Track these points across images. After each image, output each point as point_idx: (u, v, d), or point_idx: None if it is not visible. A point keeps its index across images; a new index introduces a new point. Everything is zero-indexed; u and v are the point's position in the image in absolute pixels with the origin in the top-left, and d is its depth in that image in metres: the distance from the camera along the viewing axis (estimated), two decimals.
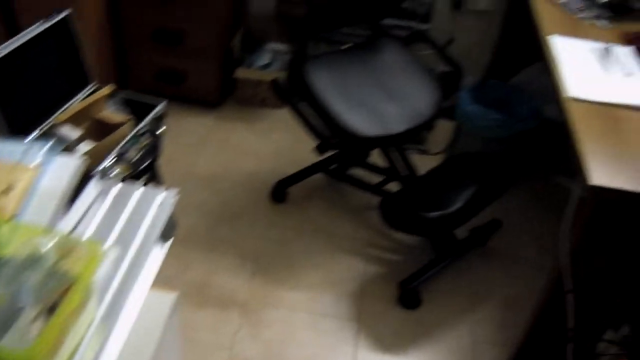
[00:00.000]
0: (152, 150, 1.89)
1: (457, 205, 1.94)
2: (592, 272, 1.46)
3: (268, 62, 2.91)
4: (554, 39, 1.82)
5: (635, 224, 1.36)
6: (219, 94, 2.87)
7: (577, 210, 1.41)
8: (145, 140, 1.85)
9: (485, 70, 2.92)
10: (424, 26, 2.86)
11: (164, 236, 1.22)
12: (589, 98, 1.55)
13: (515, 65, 2.72)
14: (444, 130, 2.81)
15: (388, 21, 2.76)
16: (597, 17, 1.99)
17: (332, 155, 2.51)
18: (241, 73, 2.87)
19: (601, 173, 1.31)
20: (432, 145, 2.80)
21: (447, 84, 2.30)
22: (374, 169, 2.52)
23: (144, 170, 1.87)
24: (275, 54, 2.95)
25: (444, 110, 2.96)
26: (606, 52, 1.79)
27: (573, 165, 1.38)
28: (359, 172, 2.56)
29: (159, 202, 1.23)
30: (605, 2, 2.03)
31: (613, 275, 1.46)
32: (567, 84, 1.59)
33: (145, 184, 1.94)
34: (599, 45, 1.82)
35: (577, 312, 1.52)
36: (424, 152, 2.77)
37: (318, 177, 2.56)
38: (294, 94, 2.14)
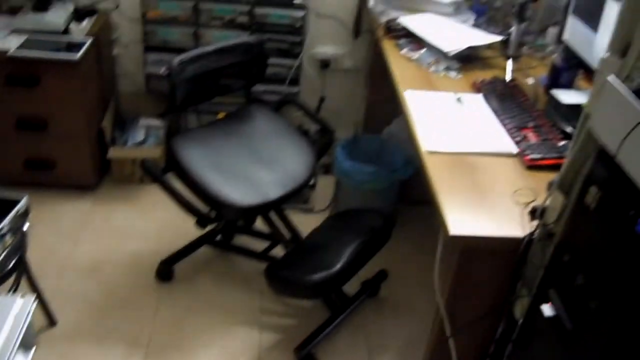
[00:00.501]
0: (18, 248, 1.79)
1: (341, 263, 1.96)
2: (470, 315, 1.51)
3: (143, 139, 2.87)
4: (408, 93, 1.91)
5: (502, 265, 1.42)
6: (94, 176, 2.78)
7: (446, 257, 1.46)
8: (9, 240, 1.75)
9: (359, 124, 3.02)
10: (294, 89, 2.93)
11: (25, 346, 1.15)
12: (443, 150, 1.62)
13: (387, 117, 2.83)
14: (326, 186, 2.86)
15: (259, 87, 2.81)
16: (448, 69, 2.11)
17: (215, 227, 2.49)
18: (115, 152, 2.80)
19: (459, 223, 1.37)
20: (317, 203, 2.83)
21: (321, 143, 2.35)
22: (259, 235, 2.51)
23: (11, 271, 1.77)
24: (149, 129, 2.92)
25: (325, 166, 3.04)
26: (458, 102, 1.90)
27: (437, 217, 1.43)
28: (244, 240, 2.54)
29: (16, 311, 1.16)
30: (454, 55, 2.16)
31: (489, 316, 1.51)
32: (421, 138, 1.67)
33: (13, 286, 1.83)
34: (451, 96, 1.92)
35: (459, 356, 1.55)
36: (308, 210, 2.80)
37: (204, 250, 2.52)
38: (170, 170, 2.12)
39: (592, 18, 1.83)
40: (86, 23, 2.68)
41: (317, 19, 2.94)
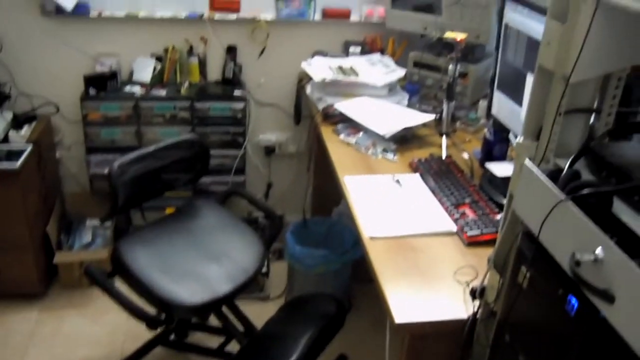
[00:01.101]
0: None
1: (297, 355, 1.93)
2: None
3: (90, 241, 2.82)
4: (347, 179, 1.95)
5: (452, 345, 1.43)
6: (40, 284, 2.71)
7: (396, 340, 1.46)
8: None
9: (307, 207, 3.04)
10: (241, 178, 2.96)
11: None
12: (384, 235, 1.65)
13: (335, 197, 2.86)
14: (281, 272, 2.84)
15: (205, 179, 2.83)
16: (385, 151, 2.16)
17: (168, 326, 2.43)
18: (62, 257, 2.75)
19: (404, 310, 1.37)
20: (272, 290, 2.81)
21: (270, 230, 2.36)
22: (213, 330, 2.46)
23: None
24: (96, 230, 2.88)
25: (278, 251, 3.04)
26: (397, 183, 1.94)
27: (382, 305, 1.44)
28: (199, 337, 2.49)
29: None
30: (390, 137, 2.22)
31: None
32: (362, 225, 1.69)
33: None
34: (389, 178, 1.97)
35: None
36: (264, 298, 2.77)
37: (158, 351, 2.45)
38: (116, 274, 2.08)
39: (515, 93, 1.92)
40: (26, 130, 2.68)
41: (258, 107, 3.01)
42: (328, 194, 2.86)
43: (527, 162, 1.12)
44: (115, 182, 2.07)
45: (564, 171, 1.06)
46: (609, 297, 0.89)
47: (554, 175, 1.08)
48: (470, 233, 1.64)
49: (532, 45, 1.76)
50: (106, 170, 2.13)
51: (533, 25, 1.76)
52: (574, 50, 1.04)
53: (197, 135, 2.45)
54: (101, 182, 2.87)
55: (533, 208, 1.09)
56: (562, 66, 1.07)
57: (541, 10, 1.72)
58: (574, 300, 0.97)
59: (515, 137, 1.94)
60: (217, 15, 2.83)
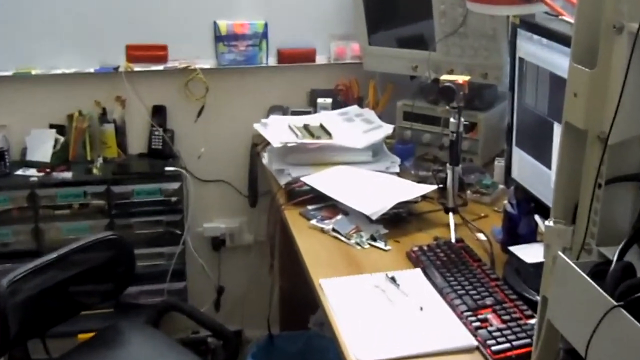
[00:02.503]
0: None
1: None
2: None
3: None
4: (324, 283, 1.92)
5: None
6: None
7: None
8: None
9: (273, 317, 3.00)
10: (180, 284, 2.92)
11: None
12: (378, 358, 1.62)
13: (310, 302, 2.82)
14: None
15: (131, 289, 2.78)
16: (373, 239, 2.15)
17: None
18: None
19: None
20: None
21: (223, 355, 2.32)
22: None
23: None
24: None
25: None
26: (392, 283, 1.92)
27: None
28: None
29: None
30: (379, 218, 2.21)
31: None
32: (348, 346, 1.66)
33: None
34: (381, 277, 1.95)
35: None
36: None
37: None
38: None
39: (540, 149, 1.94)
40: None
41: (199, 186, 3.01)
42: (300, 297, 2.82)
43: (561, 255, 1.11)
44: (4, 305, 2.02)
45: (613, 265, 1.06)
46: None
47: (600, 270, 1.07)
48: (496, 348, 1.62)
49: (558, 84, 1.78)
50: None
51: (556, 59, 1.79)
52: (610, 102, 1.05)
53: (117, 232, 2.43)
54: None
55: (574, 317, 1.08)
56: (597, 123, 1.08)
57: (564, 40, 1.75)
58: None
59: (541, 213, 1.95)
60: (137, 67, 2.85)
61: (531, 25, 1.96)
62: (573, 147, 1.14)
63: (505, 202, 2.13)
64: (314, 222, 2.28)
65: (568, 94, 1.11)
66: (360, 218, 2.24)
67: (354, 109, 2.84)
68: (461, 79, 2.23)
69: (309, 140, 2.54)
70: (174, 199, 2.85)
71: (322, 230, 2.23)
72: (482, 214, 2.33)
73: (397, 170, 2.56)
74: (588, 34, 1.07)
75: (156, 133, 2.91)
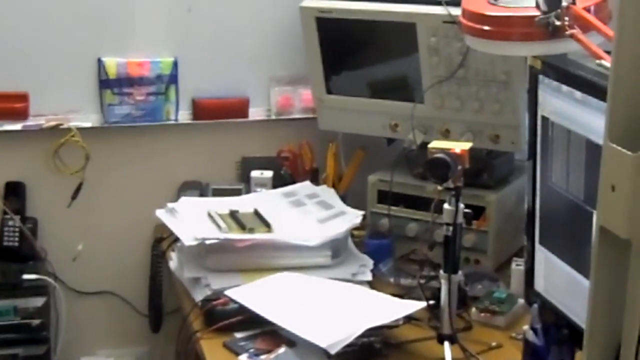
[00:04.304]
0: None
1: None
2: None
3: None
4: None
5: None
6: None
7: None
8: None
9: None
10: None
11: None
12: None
13: None
14: None
15: None
16: None
17: None
18: None
19: None
20: None
21: None
22: None
23: None
24: None
25: None
26: None
27: None
28: None
29: None
30: (340, 353, 2.22)
31: None
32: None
33: None
34: None
35: None
36: None
37: None
38: None
39: (576, 254, 1.93)
40: None
41: (75, 302, 2.99)
42: None
43: None
44: None
45: None
46: None
47: None
48: None
49: (599, 156, 1.79)
50: None
51: (596, 121, 1.75)
52: None
53: None
54: None
55: None
56: None
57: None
58: None
59: (578, 342, 1.96)
60: None
61: (559, 71, 1.96)
62: (612, 261, 1.14)
63: (526, 326, 2.14)
64: (243, 357, 2.27)
65: (603, 188, 1.11)
66: (313, 352, 2.24)
67: (304, 187, 2.85)
68: (460, 146, 2.23)
69: (237, 236, 2.55)
70: (36, 321, 2.82)
71: None
72: (494, 344, 2.34)
73: (369, 277, 2.56)
74: (631, 99, 1.07)
75: (10, 223, 2.89)
